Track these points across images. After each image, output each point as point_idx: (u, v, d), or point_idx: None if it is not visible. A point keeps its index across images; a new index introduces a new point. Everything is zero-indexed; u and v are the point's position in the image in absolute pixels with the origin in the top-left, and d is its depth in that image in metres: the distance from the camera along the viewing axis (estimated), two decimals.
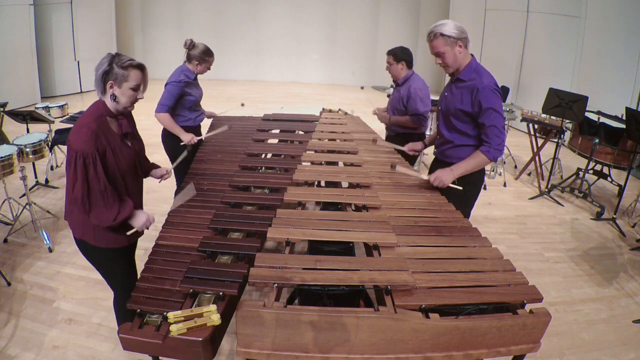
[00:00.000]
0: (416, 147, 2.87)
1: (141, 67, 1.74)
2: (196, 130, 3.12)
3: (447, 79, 2.47)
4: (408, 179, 2.52)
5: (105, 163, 1.67)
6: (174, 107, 2.96)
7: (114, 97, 1.71)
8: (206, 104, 3.43)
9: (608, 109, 4.92)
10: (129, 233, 1.78)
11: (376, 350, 1.40)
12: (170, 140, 3.03)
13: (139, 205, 1.91)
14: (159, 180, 2.15)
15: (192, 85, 3.02)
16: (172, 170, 2.29)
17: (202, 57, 2.95)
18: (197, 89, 3.10)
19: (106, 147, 1.67)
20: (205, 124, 3.53)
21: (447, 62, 2.19)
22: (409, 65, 3.26)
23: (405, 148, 2.88)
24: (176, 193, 3.00)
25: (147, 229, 1.85)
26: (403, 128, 3.32)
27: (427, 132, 3.91)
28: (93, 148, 1.61)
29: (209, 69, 3.05)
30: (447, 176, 2.24)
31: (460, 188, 2.23)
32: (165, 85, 2.93)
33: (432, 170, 2.53)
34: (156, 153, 2.97)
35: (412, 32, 9.87)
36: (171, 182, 2.98)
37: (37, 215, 3.47)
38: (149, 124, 3.13)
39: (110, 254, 1.85)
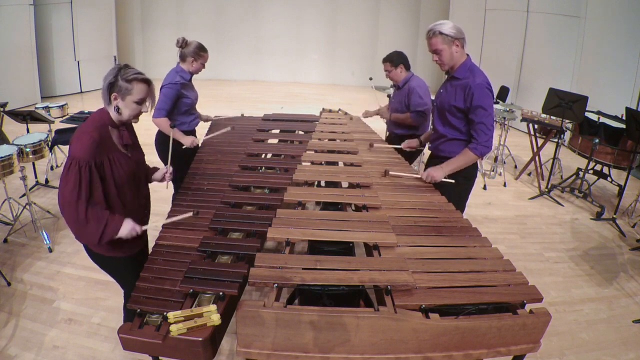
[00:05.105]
0: (412, 144, 2.98)
1: (147, 81, 1.71)
2: (192, 134, 3.04)
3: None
4: (408, 179, 2.52)
5: (101, 175, 1.65)
6: (171, 110, 2.87)
7: (117, 109, 1.70)
8: (206, 104, 3.42)
9: (608, 109, 4.92)
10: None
11: (376, 350, 1.40)
12: (164, 146, 2.80)
13: (139, 218, 1.81)
14: (166, 183, 2.09)
15: (188, 87, 2.94)
16: (170, 167, 2.17)
17: (196, 52, 2.84)
18: (193, 91, 3.01)
19: (104, 159, 1.66)
20: (204, 127, 3.51)
21: (444, 59, 2.29)
22: (407, 67, 3.28)
23: (402, 146, 3.00)
24: (174, 197, 2.92)
25: (134, 237, 1.73)
26: (403, 128, 3.33)
27: None
28: (91, 157, 1.59)
29: (203, 66, 2.94)
30: (437, 173, 2.37)
31: (453, 181, 2.35)
32: (161, 88, 2.81)
33: (428, 165, 2.62)
34: (152, 154, 2.94)
35: (412, 32, 9.88)
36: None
37: (37, 215, 3.47)
38: (150, 123, 3.10)
39: (114, 261, 1.82)
